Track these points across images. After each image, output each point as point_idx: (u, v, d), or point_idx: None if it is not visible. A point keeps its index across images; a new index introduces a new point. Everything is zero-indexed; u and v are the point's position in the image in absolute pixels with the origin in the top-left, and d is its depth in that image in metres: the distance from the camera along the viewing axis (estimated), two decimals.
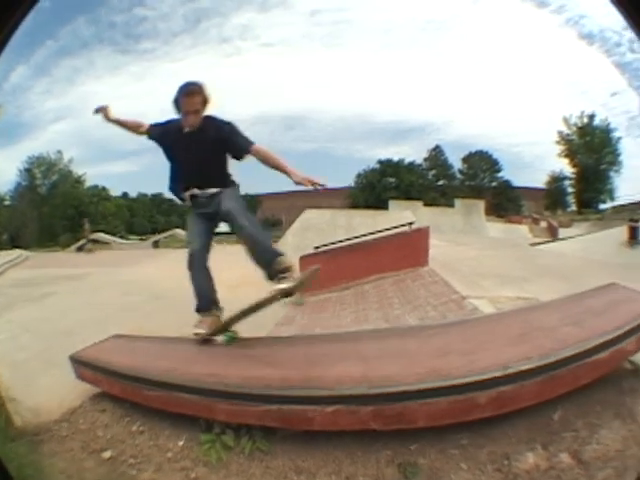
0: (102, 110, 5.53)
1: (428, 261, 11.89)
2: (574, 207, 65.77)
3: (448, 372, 3.42)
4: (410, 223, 12.78)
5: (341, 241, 13.74)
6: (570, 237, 25.37)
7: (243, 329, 5.67)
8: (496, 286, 9.05)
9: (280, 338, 6.56)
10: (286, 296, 5.06)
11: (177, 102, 5.09)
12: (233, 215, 5.19)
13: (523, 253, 17.54)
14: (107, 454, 4.21)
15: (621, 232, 20.50)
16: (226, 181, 5.54)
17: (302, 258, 11.65)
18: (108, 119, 5.56)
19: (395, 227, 13.08)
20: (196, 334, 5.41)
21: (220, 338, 5.52)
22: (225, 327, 5.50)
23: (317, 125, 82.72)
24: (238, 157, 5.37)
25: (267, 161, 5.15)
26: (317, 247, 13.73)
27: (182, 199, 5.52)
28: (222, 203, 5.24)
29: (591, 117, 64.42)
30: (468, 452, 3.56)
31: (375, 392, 3.36)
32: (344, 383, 3.53)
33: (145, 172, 75.28)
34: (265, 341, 5.91)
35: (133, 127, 5.60)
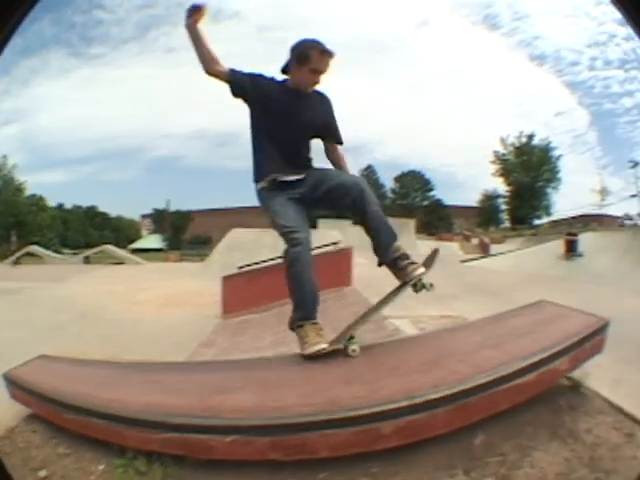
0: (199, 11, 4.27)
1: (351, 281, 11.86)
2: (507, 224, 67.52)
3: (348, 402, 3.22)
4: (335, 243, 12.45)
5: (265, 261, 13.27)
6: (501, 253, 25.65)
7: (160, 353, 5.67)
8: (421, 305, 8.75)
9: (186, 363, 6.54)
10: (415, 285, 4.73)
11: (305, 56, 4.37)
12: (367, 194, 4.54)
13: (453, 270, 17.62)
14: (42, 473, 4.06)
15: (557, 246, 21.32)
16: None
17: (225, 279, 11.88)
18: (194, 25, 4.32)
19: (319, 247, 12.47)
20: (319, 351, 4.35)
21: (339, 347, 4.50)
22: (347, 333, 4.59)
23: (249, 143, 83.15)
24: (331, 140, 4.84)
25: (337, 160, 4.83)
26: (241, 267, 13.35)
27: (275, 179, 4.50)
28: (348, 180, 4.61)
29: (530, 137, 67.24)
30: None
31: (270, 423, 3.20)
32: (241, 413, 3.40)
33: (82, 182, 75.00)
34: (172, 366, 5.84)
35: (207, 58, 4.40)
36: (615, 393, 4.55)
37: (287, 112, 4.41)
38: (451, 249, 35.99)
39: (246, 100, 4.49)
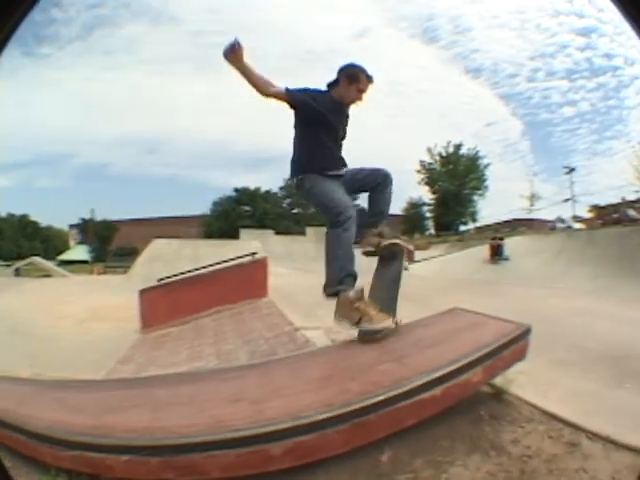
0: (236, 49, 4.48)
1: (267, 292, 11.55)
2: (433, 231, 68.47)
3: (232, 423, 3.09)
4: (253, 254, 12.12)
5: (183, 273, 12.94)
6: (425, 259, 25.50)
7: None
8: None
9: (90, 382, 6.26)
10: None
11: (355, 78, 5.04)
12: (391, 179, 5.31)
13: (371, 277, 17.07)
14: None
15: (483, 250, 21.44)
16: None
17: (142, 293, 11.54)
18: (237, 62, 4.57)
19: (238, 257, 12.66)
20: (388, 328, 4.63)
21: None
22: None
23: (177, 150, 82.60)
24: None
25: None
26: (161, 279, 12.85)
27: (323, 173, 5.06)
28: (375, 172, 5.29)
29: (458, 146, 68.26)
30: None
31: (158, 444, 3.05)
32: (132, 432, 3.32)
33: (14, 189, 72.88)
34: (78, 384, 5.71)
35: (260, 83, 4.76)
36: (548, 398, 4.24)
37: (334, 120, 5.07)
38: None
39: (299, 110, 5.00)
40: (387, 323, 4.57)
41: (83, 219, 70.79)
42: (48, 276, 35.75)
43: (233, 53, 4.47)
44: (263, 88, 4.74)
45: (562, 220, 46.29)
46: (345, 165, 5.24)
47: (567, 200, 55.13)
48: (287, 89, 4.84)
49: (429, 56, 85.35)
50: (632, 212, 31.93)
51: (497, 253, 20.29)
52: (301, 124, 5.06)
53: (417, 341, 4.49)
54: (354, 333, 5.71)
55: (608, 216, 34.49)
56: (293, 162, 5.19)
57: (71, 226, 75.37)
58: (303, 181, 5.07)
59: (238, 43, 4.43)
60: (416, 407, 3.24)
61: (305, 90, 4.98)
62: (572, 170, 57.89)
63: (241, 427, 3.00)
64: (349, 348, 4.94)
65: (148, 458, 3.03)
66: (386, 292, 5.31)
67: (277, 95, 4.81)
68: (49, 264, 44.28)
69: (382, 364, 3.85)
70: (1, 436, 4.01)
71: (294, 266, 21.36)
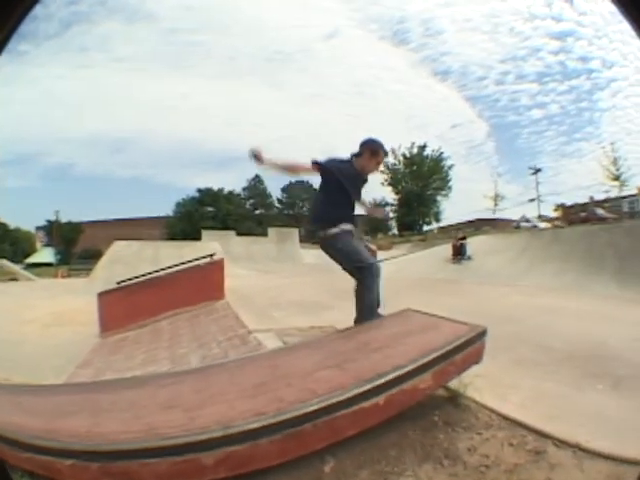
0: (258, 159, 5.60)
1: (224, 294, 11.39)
2: (395, 231, 68.93)
3: (164, 431, 2.97)
4: (211, 255, 11.89)
5: (144, 275, 12.37)
6: (387, 259, 25.39)
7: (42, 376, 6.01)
8: (292, 316, 9.09)
9: (46, 386, 6.02)
10: None
11: (376, 153, 5.92)
12: None
13: (331, 277, 16.91)
14: None
15: (445, 250, 21.45)
16: None
17: (100, 296, 11.13)
18: (264, 165, 5.68)
19: (196, 259, 12.19)
20: None
21: None
22: None
23: (144, 150, 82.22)
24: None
25: None
26: (120, 282, 12.22)
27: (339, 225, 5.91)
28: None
29: (422, 147, 68.75)
30: None
31: (96, 449, 2.94)
32: (74, 437, 3.14)
33: None
34: (34, 389, 5.56)
35: (289, 170, 6.03)
36: (508, 402, 4.07)
37: (354, 186, 5.86)
38: None
39: (326, 176, 5.87)
40: None
41: (49, 221, 70.02)
42: (15, 280, 35.27)
43: (258, 162, 5.57)
44: (296, 171, 6.14)
45: (527, 219, 46.72)
46: (355, 222, 6.12)
47: (532, 200, 55.88)
48: (314, 162, 5.78)
49: (398, 58, 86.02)
50: (601, 211, 32.22)
51: (460, 252, 20.24)
52: (327, 186, 5.88)
53: (363, 344, 4.35)
54: (313, 333, 6.60)
55: (575, 215, 34.71)
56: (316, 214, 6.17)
57: (38, 228, 74.49)
58: (332, 233, 5.90)
59: (255, 155, 5.50)
60: (357, 416, 3.09)
61: (336, 161, 5.89)
62: (538, 171, 58.80)
63: (173, 435, 2.89)
64: (293, 352, 4.95)
65: (89, 463, 2.91)
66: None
67: (308, 172, 5.94)
68: (16, 268, 43.57)
69: (322, 370, 3.72)
70: None
71: (255, 267, 21.47)
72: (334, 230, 5.79)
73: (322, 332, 7.09)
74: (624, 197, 43.32)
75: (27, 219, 77.87)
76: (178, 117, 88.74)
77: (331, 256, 6.07)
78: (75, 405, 4.14)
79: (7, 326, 11.81)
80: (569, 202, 46.80)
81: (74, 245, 67.02)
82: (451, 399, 3.86)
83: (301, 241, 35.50)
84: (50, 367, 7.42)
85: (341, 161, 5.94)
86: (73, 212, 72.13)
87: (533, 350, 6.01)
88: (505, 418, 3.62)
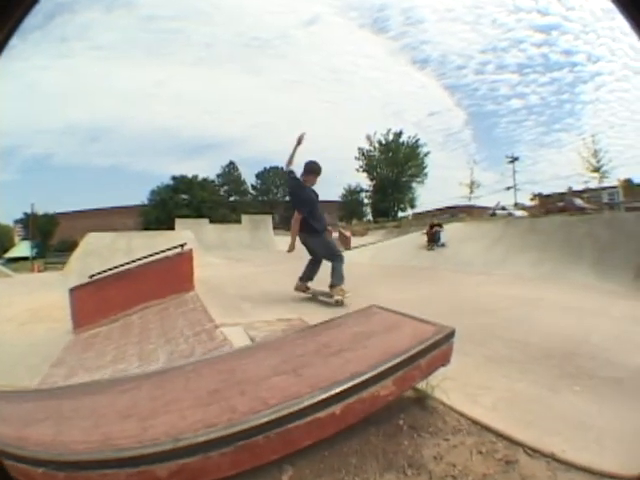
0: (301, 140, 9.45)
1: (194, 285, 11.37)
2: (370, 217, 69.28)
3: (120, 442, 2.95)
4: (182, 245, 11.77)
5: (116, 267, 12.23)
6: (363, 245, 25.40)
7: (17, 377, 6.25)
8: (260, 308, 9.01)
9: (19, 392, 6.08)
10: None
11: (317, 170, 9.46)
12: None
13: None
14: None
15: (420, 237, 21.41)
16: None
17: (72, 291, 10.99)
18: (298, 145, 9.61)
19: (167, 250, 12.05)
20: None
21: None
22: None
23: (121, 138, 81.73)
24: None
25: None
26: (92, 275, 12.07)
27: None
28: None
29: (398, 134, 68.95)
30: None
31: (60, 459, 2.91)
32: (41, 445, 3.13)
33: None
34: (6, 395, 5.43)
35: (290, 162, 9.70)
36: (478, 405, 3.90)
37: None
38: None
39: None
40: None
41: (26, 214, 69.33)
42: None
43: (299, 141, 9.38)
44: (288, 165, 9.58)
45: (503, 207, 46.99)
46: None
47: (509, 188, 56.45)
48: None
49: (377, 46, 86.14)
50: (579, 201, 32.41)
51: (434, 239, 20.13)
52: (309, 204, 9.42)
53: (322, 347, 4.22)
54: (280, 326, 6.93)
55: (553, 204, 34.80)
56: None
57: (16, 221, 73.76)
58: (322, 234, 9.58)
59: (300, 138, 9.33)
60: (311, 427, 3.00)
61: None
62: (515, 159, 59.45)
63: (126, 446, 2.86)
64: (250, 354, 4.79)
65: (56, 472, 2.88)
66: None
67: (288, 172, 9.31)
68: None
69: (277, 375, 3.62)
70: None
71: (228, 255, 21.43)
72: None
73: (289, 325, 6.99)
74: (604, 188, 43.60)
75: (7, 213, 76.91)
76: (155, 105, 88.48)
77: (310, 247, 9.76)
78: (42, 412, 4.07)
79: None
80: (547, 192, 47.26)
81: (50, 237, 66.52)
82: (418, 400, 3.73)
83: (275, 228, 35.54)
84: (26, 367, 7.48)
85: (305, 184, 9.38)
86: (51, 204, 71.10)
87: (507, 345, 5.73)
88: (474, 422, 3.47)
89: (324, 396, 3.00)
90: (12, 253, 64.04)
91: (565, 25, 68.42)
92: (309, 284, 9.87)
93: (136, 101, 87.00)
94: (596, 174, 45.97)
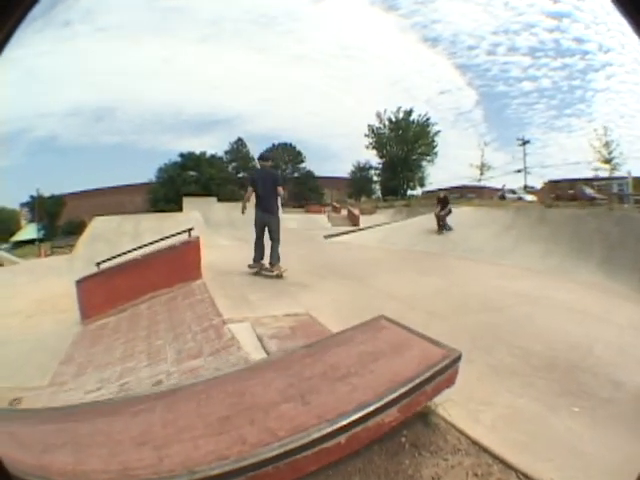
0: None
1: (201, 274, 11.42)
2: (379, 195, 68.94)
3: (137, 472, 2.98)
4: (189, 230, 11.74)
5: (124, 253, 12.38)
6: (370, 227, 25.41)
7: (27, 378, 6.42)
8: (266, 300, 8.92)
9: (29, 411, 5.90)
10: None
11: (268, 157, 13.17)
12: None
13: (312, 249, 17.57)
14: None
15: (429, 219, 20.97)
16: None
17: (79, 283, 11.00)
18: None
19: (174, 235, 12.09)
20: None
21: None
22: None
23: (127, 116, 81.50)
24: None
25: None
26: (99, 263, 12.01)
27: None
28: None
29: (408, 112, 68.32)
30: None
31: None
32: (62, 475, 3.14)
33: None
34: (22, 415, 5.40)
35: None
36: (479, 423, 3.95)
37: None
38: (318, 222, 35.92)
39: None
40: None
41: (32, 196, 69.07)
42: (0, 265, 34.64)
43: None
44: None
45: (513, 191, 46.65)
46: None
47: (519, 171, 55.94)
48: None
49: (388, 23, 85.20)
50: (589, 190, 31.98)
51: (444, 226, 19.83)
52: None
53: (329, 368, 4.21)
54: (288, 322, 7.01)
55: (563, 191, 34.47)
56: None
57: (22, 205, 73.49)
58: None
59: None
60: (318, 456, 3.06)
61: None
62: (526, 142, 58.78)
63: (144, 477, 2.92)
64: (258, 375, 4.70)
65: None
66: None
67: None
68: (0, 253, 42.97)
69: (285, 402, 3.62)
70: None
71: (236, 235, 21.11)
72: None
73: (296, 321, 7.08)
74: (614, 178, 43.18)
75: (14, 197, 76.74)
76: (162, 82, 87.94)
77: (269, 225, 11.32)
78: (59, 437, 4.00)
79: None
80: (556, 177, 46.98)
81: (57, 219, 66.27)
82: (421, 416, 3.75)
83: (284, 205, 35.19)
84: (35, 365, 7.40)
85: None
86: (57, 185, 70.71)
87: (511, 353, 5.71)
88: (473, 443, 3.51)
89: (331, 429, 3.07)
90: (19, 236, 63.60)
91: (576, 14, 67.66)
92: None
93: (142, 79, 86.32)
94: (607, 165, 45.60)
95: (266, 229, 11.46)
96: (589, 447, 3.64)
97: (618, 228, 13.06)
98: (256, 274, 11.31)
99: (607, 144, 46.23)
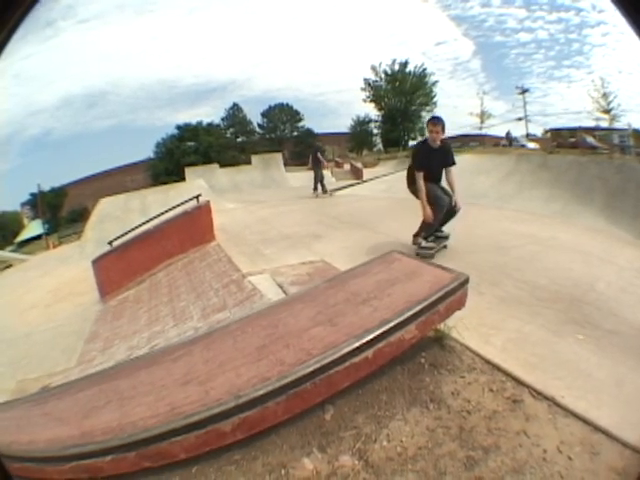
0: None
1: (214, 236, 11.57)
2: (380, 147, 68.46)
3: (185, 409, 3.25)
4: (197, 197, 11.95)
5: (134, 228, 12.50)
6: (372, 179, 25.40)
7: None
8: (282, 251, 9.16)
9: (62, 386, 5.90)
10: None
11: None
12: None
13: (320, 203, 17.45)
14: None
15: None
16: None
17: (95, 262, 11.44)
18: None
19: (183, 203, 12.25)
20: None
21: None
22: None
23: (119, 98, 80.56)
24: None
25: None
26: (111, 241, 12.32)
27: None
28: None
29: (404, 64, 67.32)
30: (243, 467, 3.19)
31: (129, 441, 3.21)
32: (109, 433, 3.37)
33: None
34: (53, 393, 5.52)
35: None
36: (490, 345, 4.16)
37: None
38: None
39: None
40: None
41: (32, 194, 68.70)
42: (9, 267, 34.53)
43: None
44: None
45: (515, 139, 46.27)
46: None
47: (520, 119, 55.36)
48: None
49: None
50: (590, 139, 31.69)
51: None
52: None
53: (351, 296, 4.44)
54: (304, 269, 7.24)
55: (564, 140, 34.29)
56: None
57: (22, 204, 73.08)
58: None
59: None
60: (349, 371, 3.32)
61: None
62: (526, 91, 57.77)
63: (193, 412, 3.14)
64: (287, 308, 4.93)
65: (126, 454, 3.20)
66: None
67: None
68: (7, 254, 42.46)
69: (315, 326, 3.88)
70: (14, 468, 3.82)
71: (241, 198, 21.30)
72: None
73: (313, 268, 7.28)
74: (615, 129, 42.73)
75: (14, 200, 76.13)
76: (151, 59, 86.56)
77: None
78: (100, 399, 4.23)
79: (11, 321, 11.77)
80: (558, 126, 46.48)
81: (60, 210, 65.94)
82: (437, 340, 4.01)
83: (286, 164, 35.04)
84: (60, 350, 7.60)
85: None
86: (57, 178, 70.08)
87: (518, 286, 5.86)
88: (487, 362, 3.75)
89: (358, 344, 3.34)
90: (23, 236, 63.17)
91: None
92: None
93: (130, 60, 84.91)
94: (606, 115, 45.17)
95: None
96: (597, 372, 3.79)
97: (619, 175, 13.14)
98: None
99: (605, 95, 45.82)
